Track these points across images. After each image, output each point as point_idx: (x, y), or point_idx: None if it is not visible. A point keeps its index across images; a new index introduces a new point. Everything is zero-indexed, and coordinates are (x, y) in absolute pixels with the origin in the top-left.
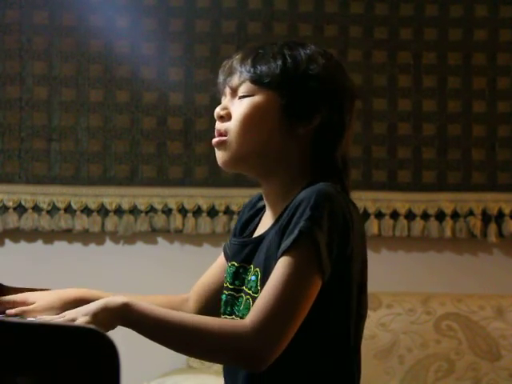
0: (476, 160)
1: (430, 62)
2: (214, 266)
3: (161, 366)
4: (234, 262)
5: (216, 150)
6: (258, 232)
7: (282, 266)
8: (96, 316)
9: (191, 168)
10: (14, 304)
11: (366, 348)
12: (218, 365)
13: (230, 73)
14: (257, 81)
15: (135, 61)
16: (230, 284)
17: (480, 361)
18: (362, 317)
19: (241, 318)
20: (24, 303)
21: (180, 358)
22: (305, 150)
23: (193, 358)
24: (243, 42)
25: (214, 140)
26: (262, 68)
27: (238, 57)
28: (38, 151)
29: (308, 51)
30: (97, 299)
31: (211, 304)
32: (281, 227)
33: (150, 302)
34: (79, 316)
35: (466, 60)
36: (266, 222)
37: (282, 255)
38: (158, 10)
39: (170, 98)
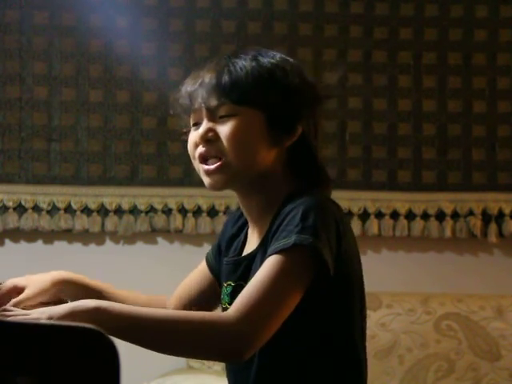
0: (476, 160)
1: (430, 61)
2: (196, 274)
3: (161, 366)
4: (230, 282)
5: (206, 176)
6: (248, 248)
7: (272, 263)
8: (62, 320)
9: (191, 168)
10: (5, 294)
11: (366, 348)
12: (218, 365)
13: (204, 92)
14: (238, 100)
15: (135, 61)
16: (230, 304)
17: (480, 361)
18: (364, 317)
19: None
20: (14, 290)
21: (180, 359)
22: (286, 160)
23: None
24: (243, 41)
25: (211, 167)
26: (241, 87)
27: (209, 75)
28: (38, 151)
29: (275, 61)
30: (82, 284)
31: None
32: (268, 239)
33: (132, 299)
34: (43, 318)
35: (466, 60)
36: (254, 238)
37: (273, 254)
38: (158, 10)
39: (170, 98)
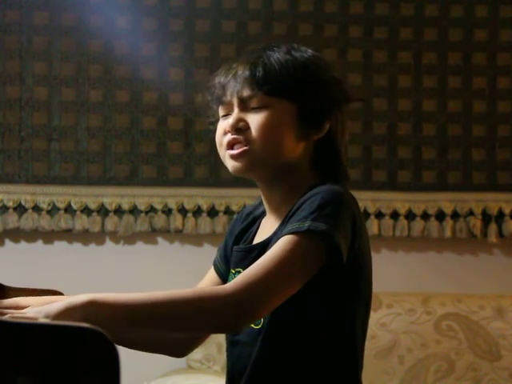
0: (476, 160)
1: (430, 62)
2: (205, 283)
3: (161, 366)
4: (239, 269)
5: (231, 159)
6: (259, 237)
7: (282, 243)
8: (57, 318)
9: (191, 168)
10: (6, 309)
11: (366, 348)
12: (218, 365)
13: (237, 83)
14: (270, 92)
15: (135, 61)
16: None
17: (480, 361)
18: (368, 314)
19: None
20: (16, 308)
21: (180, 358)
22: (312, 155)
23: (193, 359)
24: (243, 42)
25: (235, 152)
26: (274, 78)
27: (242, 66)
28: (38, 151)
29: (308, 56)
30: None
31: None
32: (283, 227)
33: None
34: (40, 317)
35: (466, 60)
36: (269, 227)
37: (286, 235)
38: (158, 9)
39: (170, 98)
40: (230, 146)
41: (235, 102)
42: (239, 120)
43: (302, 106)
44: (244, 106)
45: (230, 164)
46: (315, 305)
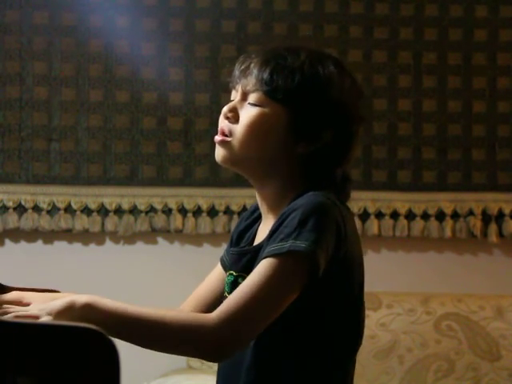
0: (476, 160)
1: (430, 62)
2: (210, 280)
3: (161, 366)
4: (232, 272)
5: (217, 146)
6: (257, 240)
7: (264, 267)
8: (60, 315)
9: (191, 168)
10: (7, 302)
11: (366, 348)
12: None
13: (246, 75)
14: (270, 93)
15: (135, 61)
16: (228, 293)
17: (480, 361)
18: (362, 320)
19: None
20: (19, 303)
21: (180, 358)
22: (302, 163)
23: (193, 359)
24: (243, 41)
25: (218, 138)
26: (278, 82)
27: (257, 60)
28: (38, 151)
29: (327, 71)
30: None
31: None
32: (270, 234)
33: None
34: (43, 314)
35: (466, 60)
36: (263, 231)
37: (267, 257)
38: (158, 9)
39: (170, 98)
40: (220, 132)
41: (239, 91)
42: (232, 109)
43: (294, 116)
44: (245, 98)
45: (216, 152)
46: (305, 312)
